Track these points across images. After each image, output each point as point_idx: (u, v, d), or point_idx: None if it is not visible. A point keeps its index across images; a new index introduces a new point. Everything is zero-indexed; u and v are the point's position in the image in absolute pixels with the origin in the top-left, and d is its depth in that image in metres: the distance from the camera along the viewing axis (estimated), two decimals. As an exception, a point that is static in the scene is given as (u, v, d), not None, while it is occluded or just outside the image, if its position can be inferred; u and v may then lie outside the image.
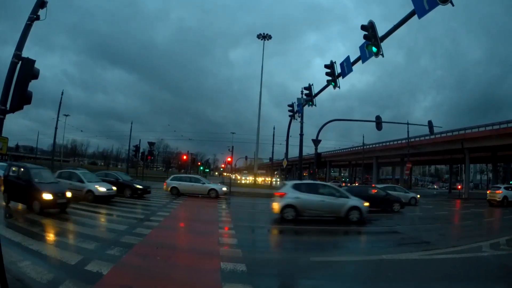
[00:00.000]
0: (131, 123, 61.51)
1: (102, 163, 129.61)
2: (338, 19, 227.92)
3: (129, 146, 58.52)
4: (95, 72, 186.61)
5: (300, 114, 33.70)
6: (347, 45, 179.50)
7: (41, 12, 7.02)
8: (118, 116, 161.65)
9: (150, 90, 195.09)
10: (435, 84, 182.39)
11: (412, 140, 56.12)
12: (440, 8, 12.07)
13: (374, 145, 73.50)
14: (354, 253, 11.20)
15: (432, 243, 12.77)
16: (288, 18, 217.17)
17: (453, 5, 11.64)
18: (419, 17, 13.11)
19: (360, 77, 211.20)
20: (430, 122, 38.45)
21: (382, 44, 15.47)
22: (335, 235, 15.11)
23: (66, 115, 70.40)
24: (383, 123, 34.39)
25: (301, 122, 34.42)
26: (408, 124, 47.84)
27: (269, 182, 75.64)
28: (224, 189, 31.33)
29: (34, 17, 7.03)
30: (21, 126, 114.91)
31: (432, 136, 51.31)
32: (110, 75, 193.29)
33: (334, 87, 21.24)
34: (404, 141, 57.93)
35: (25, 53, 6.78)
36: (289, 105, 35.22)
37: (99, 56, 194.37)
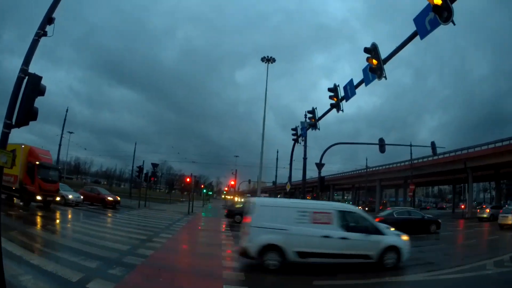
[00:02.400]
0: (135, 143, 62.35)
1: (105, 182, 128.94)
2: (345, 39, 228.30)
3: (133, 166, 58.73)
4: (101, 89, 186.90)
5: (304, 138, 33.78)
6: (354, 66, 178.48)
7: (48, 28, 7.14)
8: (122, 135, 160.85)
9: (156, 109, 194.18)
10: (442, 104, 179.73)
11: (415, 161, 56.27)
12: (446, 26, 11.84)
13: (377, 168, 73.70)
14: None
15: (437, 263, 12.93)
16: (296, 38, 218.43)
17: (454, 24, 11.34)
18: (421, 37, 12.99)
19: (368, 99, 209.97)
20: (433, 143, 38.64)
21: (390, 65, 15.30)
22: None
23: (71, 132, 70.47)
24: (387, 146, 34.53)
25: (305, 146, 34.73)
26: (411, 146, 47.95)
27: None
28: None
29: (41, 32, 7.04)
30: (25, 141, 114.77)
31: (435, 157, 51.49)
32: (116, 92, 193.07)
33: (338, 110, 21.09)
34: (407, 163, 57.99)
35: (31, 67, 6.80)
36: (292, 129, 34.98)
37: (105, 72, 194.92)
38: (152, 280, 8.96)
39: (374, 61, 15.53)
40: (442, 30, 12.69)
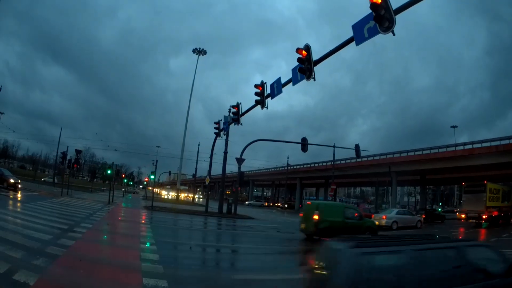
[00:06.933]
0: (61, 128, 59.29)
1: (31, 168, 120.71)
2: (287, 37, 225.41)
3: (57, 152, 56.91)
4: (35, 66, 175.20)
5: (226, 132, 34.02)
6: (290, 64, 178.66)
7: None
8: (51, 119, 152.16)
9: (86, 93, 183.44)
10: (377, 110, 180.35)
11: (338, 162, 56.50)
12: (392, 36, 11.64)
13: (298, 166, 73.94)
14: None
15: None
16: (236, 30, 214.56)
17: (394, 35, 11.44)
18: (357, 44, 13.13)
19: (301, 98, 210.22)
20: (357, 146, 41.00)
21: (329, 67, 15.88)
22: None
23: (1, 113, 64.68)
24: (312, 145, 35.10)
25: (226, 140, 35.19)
26: (334, 147, 48.18)
27: (191, 198, 72.87)
28: None
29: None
30: None
31: (359, 159, 52.47)
32: (49, 71, 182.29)
33: (262, 107, 21.14)
34: (329, 163, 58.24)
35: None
36: (215, 123, 35.22)
37: (41, 48, 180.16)
38: (74, 271, 8.71)
39: (305, 62, 15.76)
40: (388, 39, 12.24)
